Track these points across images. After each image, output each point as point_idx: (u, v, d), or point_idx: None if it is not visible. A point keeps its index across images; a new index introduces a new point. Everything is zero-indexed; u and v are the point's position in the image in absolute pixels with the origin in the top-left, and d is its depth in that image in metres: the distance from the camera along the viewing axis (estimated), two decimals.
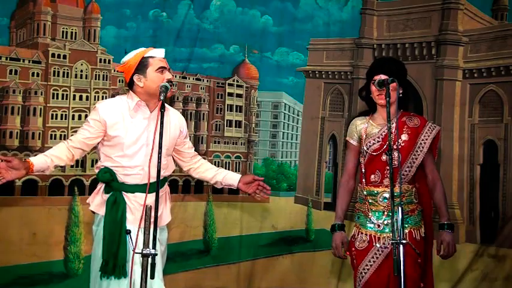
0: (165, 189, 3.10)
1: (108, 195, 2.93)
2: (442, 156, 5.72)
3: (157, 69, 2.92)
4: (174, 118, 3.09)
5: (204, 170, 3.21)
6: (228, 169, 6.28)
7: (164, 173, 3.00)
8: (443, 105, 5.85)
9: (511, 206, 5.45)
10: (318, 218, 5.97)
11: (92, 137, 2.94)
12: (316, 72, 6.38)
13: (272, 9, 6.05)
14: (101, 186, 3.01)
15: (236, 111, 6.40)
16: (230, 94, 6.39)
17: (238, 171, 6.31)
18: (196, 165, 3.21)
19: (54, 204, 5.50)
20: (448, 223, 3.01)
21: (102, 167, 2.97)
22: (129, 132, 2.92)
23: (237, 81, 6.35)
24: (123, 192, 2.91)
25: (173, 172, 3.23)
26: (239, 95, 6.40)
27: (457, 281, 5.30)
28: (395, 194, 2.84)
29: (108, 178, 2.92)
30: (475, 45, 5.85)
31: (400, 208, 2.52)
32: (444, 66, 5.87)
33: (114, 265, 2.83)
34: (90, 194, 3.07)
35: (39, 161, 2.82)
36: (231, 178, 3.17)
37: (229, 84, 6.36)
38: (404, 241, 2.49)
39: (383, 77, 2.91)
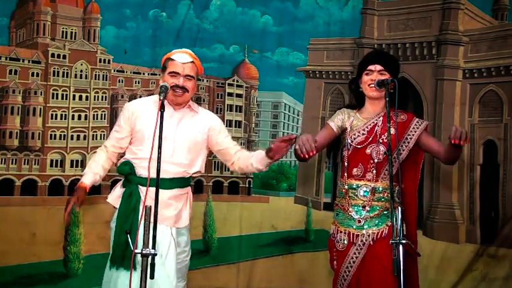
0: (188, 190, 3.09)
1: (125, 189, 2.98)
2: None
3: (170, 73, 2.99)
4: (203, 120, 3.10)
5: (242, 159, 3.11)
6: (228, 169, 6.32)
7: (184, 171, 3.00)
8: (444, 105, 5.85)
9: (511, 206, 5.45)
10: (318, 218, 5.96)
11: (125, 137, 3.04)
12: (317, 72, 6.37)
13: (272, 9, 6.05)
14: (121, 181, 3.07)
15: (236, 111, 6.40)
16: (230, 94, 6.39)
17: None
18: (236, 158, 3.14)
19: (54, 204, 5.50)
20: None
21: (123, 160, 3.04)
22: (149, 125, 2.94)
23: (237, 81, 6.35)
24: (139, 186, 2.93)
25: None
26: (239, 95, 6.40)
27: (457, 281, 5.30)
28: (376, 188, 2.85)
29: (127, 171, 2.97)
30: (475, 45, 5.84)
31: (399, 208, 2.51)
32: (444, 66, 5.86)
33: (124, 256, 2.83)
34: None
35: (90, 181, 2.99)
36: (260, 157, 3.01)
37: (229, 84, 6.36)
38: (404, 241, 2.47)
39: (378, 67, 2.89)
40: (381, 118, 2.86)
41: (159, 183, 2.57)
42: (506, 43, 5.62)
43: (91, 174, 3.00)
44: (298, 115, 6.59)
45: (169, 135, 2.91)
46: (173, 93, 2.94)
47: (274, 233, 5.84)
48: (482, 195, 5.70)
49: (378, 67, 2.89)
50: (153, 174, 2.77)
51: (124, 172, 2.99)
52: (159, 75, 3.30)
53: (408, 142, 2.91)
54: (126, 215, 2.89)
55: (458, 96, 5.84)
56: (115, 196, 3.03)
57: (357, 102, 3.04)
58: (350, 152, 2.93)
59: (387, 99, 2.70)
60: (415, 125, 2.95)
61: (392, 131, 2.74)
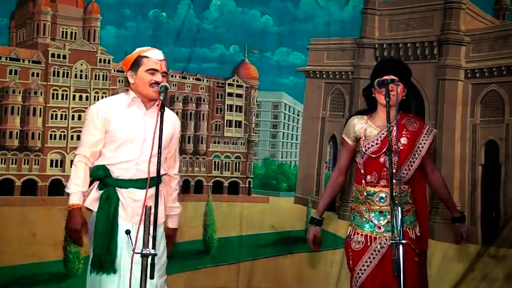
0: (162, 187, 3.03)
1: (101, 192, 2.89)
2: (443, 157, 5.70)
3: (147, 70, 2.92)
4: (170, 118, 3.07)
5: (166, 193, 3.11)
6: (228, 169, 6.34)
7: (162, 170, 2.95)
8: (445, 105, 5.84)
9: None
10: None
11: (99, 139, 2.93)
12: (317, 72, 6.37)
13: (272, 9, 6.05)
14: (95, 184, 2.97)
15: (236, 111, 6.40)
16: (230, 94, 6.38)
17: (238, 171, 6.30)
18: (167, 181, 3.12)
19: (54, 204, 5.49)
20: (462, 216, 3.18)
21: (95, 165, 2.94)
22: (124, 126, 2.91)
23: (237, 81, 6.35)
24: (116, 187, 2.88)
25: None
26: (239, 95, 6.39)
27: (457, 281, 5.28)
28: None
29: (102, 175, 2.89)
30: (477, 45, 5.83)
31: (399, 208, 2.51)
32: (446, 66, 5.85)
33: (105, 260, 2.79)
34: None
35: (82, 201, 2.90)
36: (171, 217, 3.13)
37: (229, 84, 6.36)
38: (404, 241, 2.47)
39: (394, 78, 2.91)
40: (395, 127, 2.87)
41: (159, 182, 2.55)
42: (508, 43, 5.61)
43: (79, 194, 2.87)
44: (298, 115, 6.58)
45: (150, 134, 2.76)
46: (153, 90, 2.88)
47: (274, 233, 5.83)
48: (484, 195, 5.69)
49: (394, 77, 2.91)
50: (125, 176, 2.85)
51: (99, 176, 2.90)
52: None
53: (420, 151, 2.98)
54: (108, 218, 2.82)
55: (460, 96, 5.83)
56: (92, 199, 2.92)
57: (369, 107, 3.07)
58: (364, 159, 2.99)
59: (387, 99, 2.71)
60: (426, 132, 3.01)
61: (405, 140, 2.89)
